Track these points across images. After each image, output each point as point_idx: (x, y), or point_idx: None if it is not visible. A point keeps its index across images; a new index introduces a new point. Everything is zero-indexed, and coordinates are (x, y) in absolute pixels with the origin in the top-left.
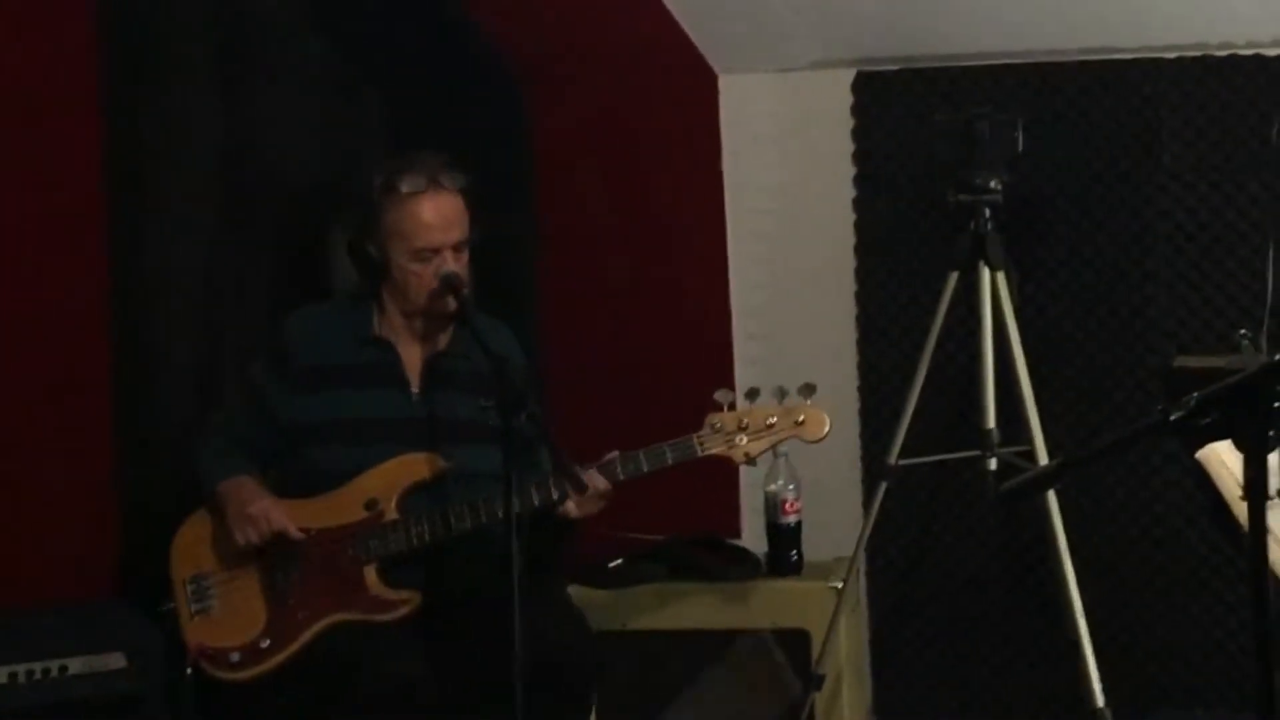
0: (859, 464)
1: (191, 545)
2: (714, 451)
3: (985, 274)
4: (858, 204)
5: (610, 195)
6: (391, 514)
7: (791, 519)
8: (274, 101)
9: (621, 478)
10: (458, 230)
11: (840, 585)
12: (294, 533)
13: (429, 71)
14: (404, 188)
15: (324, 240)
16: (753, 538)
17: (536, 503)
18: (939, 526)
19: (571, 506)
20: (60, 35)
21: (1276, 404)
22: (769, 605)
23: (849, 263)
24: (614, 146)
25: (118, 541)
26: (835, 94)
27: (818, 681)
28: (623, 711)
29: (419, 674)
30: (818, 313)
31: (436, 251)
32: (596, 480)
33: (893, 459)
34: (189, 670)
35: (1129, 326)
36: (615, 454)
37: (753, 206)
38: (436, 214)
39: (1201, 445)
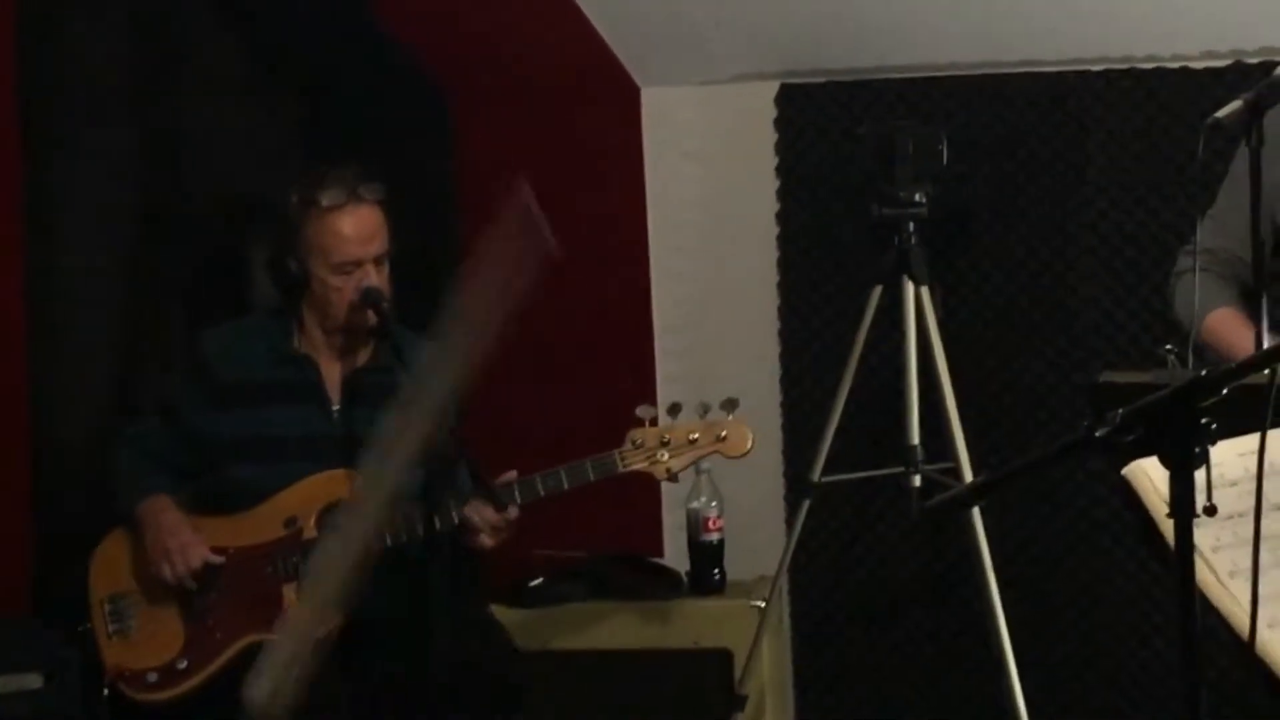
0: (782, 481)
1: (109, 564)
2: (636, 467)
3: (909, 288)
4: (781, 217)
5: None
6: (310, 532)
7: (714, 537)
8: (191, 114)
9: (542, 494)
10: (378, 243)
11: (763, 604)
12: (213, 560)
13: (349, 83)
14: (324, 201)
15: (242, 254)
16: (675, 556)
17: (456, 521)
18: (863, 544)
19: (485, 539)
20: None
21: (1203, 420)
22: (691, 624)
23: (772, 277)
24: (536, 159)
25: (34, 560)
26: (758, 107)
27: (740, 702)
28: None
29: (339, 694)
30: (740, 327)
31: (358, 265)
32: (491, 512)
33: (816, 476)
34: (106, 691)
35: (1054, 342)
36: (513, 474)
37: (675, 220)
38: (356, 227)
39: (1127, 462)
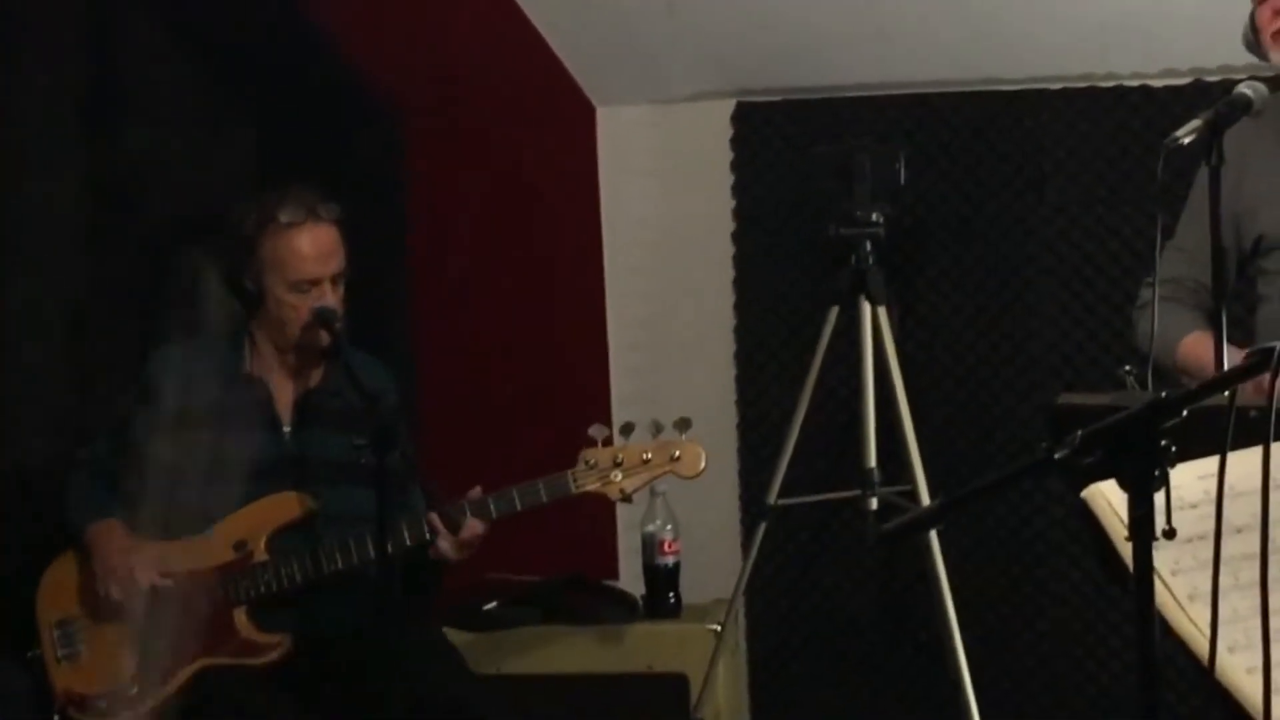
0: (738, 504)
1: (59, 589)
2: (589, 488)
3: (866, 308)
4: (737, 237)
5: (486, 228)
6: (261, 555)
7: (669, 560)
8: (142, 137)
9: (495, 515)
10: (335, 262)
11: (719, 628)
12: (160, 582)
13: (301, 104)
14: (282, 218)
15: (194, 275)
16: (630, 579)
17: (409, 542)
18: (819, 567)
19: (447, 548)
20: None
21: (1162, 442)
22: (646, 648)
23: (728, 297)
24: (490, 179)
25: None
26: (714, 126)
27: None
28: None
29: (291, 719)
30: (696, 347)
31: (314, 283)
32: (475, 525)
33: (772, 499)
34: (56, 717)
35: (1012, 363)
36: (478, 490)
37: (630, 240)
38: (315, 245)
39: (1086, 484)
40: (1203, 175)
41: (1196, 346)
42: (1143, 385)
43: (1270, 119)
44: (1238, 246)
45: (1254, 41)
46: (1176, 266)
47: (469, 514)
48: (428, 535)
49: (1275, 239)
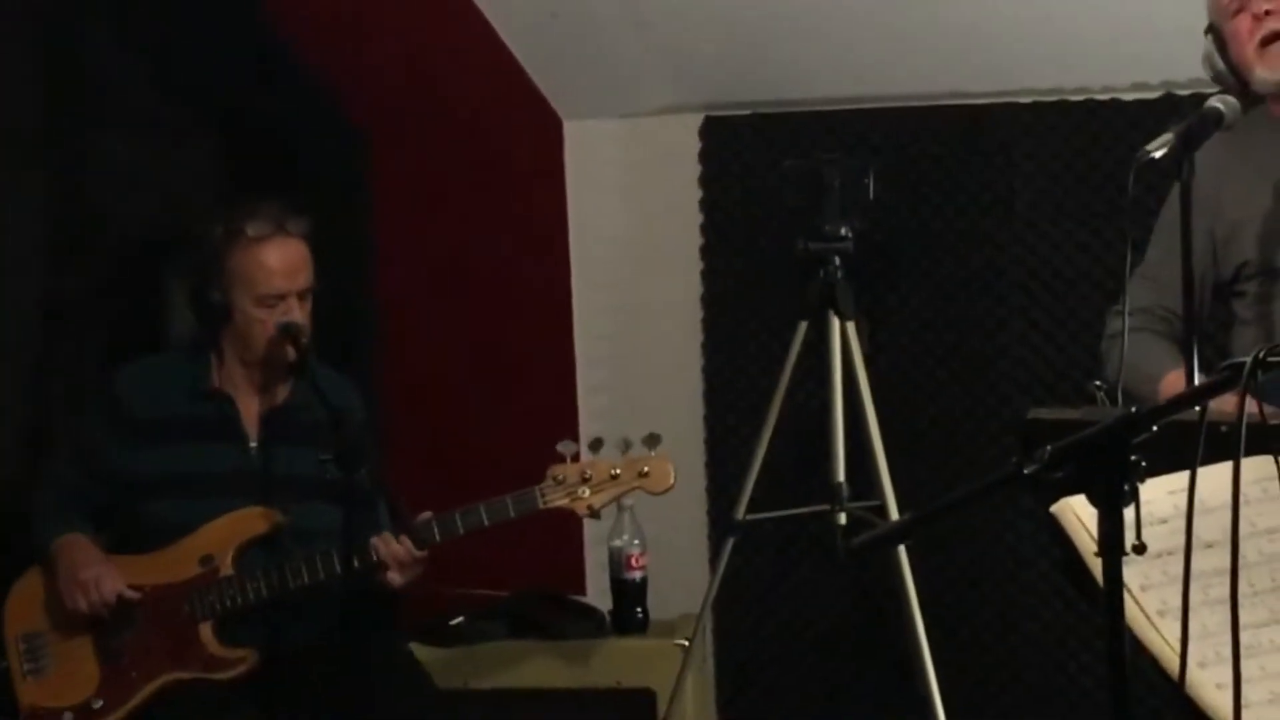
0: (706, 519)
1: (24, 603)
2: (557, 504)
3: (835, 323)
4: (705, 251)
5: (453, 242)
6: (227, 570)
7: (637, 575)
8: (105, 150)
9: (462, 531)
10: (303, 277)
11: (686, 643)
12: (127, 594)
13: (267, 118)
14: (250, 232)
15: (159, 289)
16: (597, 594)
17: (375, 558)
18: (788, 583)
19: (394, 577)
20: None
21: (1132, 457)
22: (613, 664)
23: (696, 312)
24: (457, 193)
25: None
26: (682, 140)
27: None
28: None
29: None
30: (664, 362)
31: (282, 298)
32: (402, 549)
33: (740, 513)
34: None
35: (982, 377)
36: (428, 514)
37: (598, 254)
38: (282, 260)
39: (1056, 499)
40: (1174, 198)
41: (1179, 385)
42: (1113, 400)
43: (1244, 138)
44: (1215, 272)
45: (1223, 67)
46: (1146, 295)
47: (436, 531)
48: (376, 558)
49: (1257, 264)
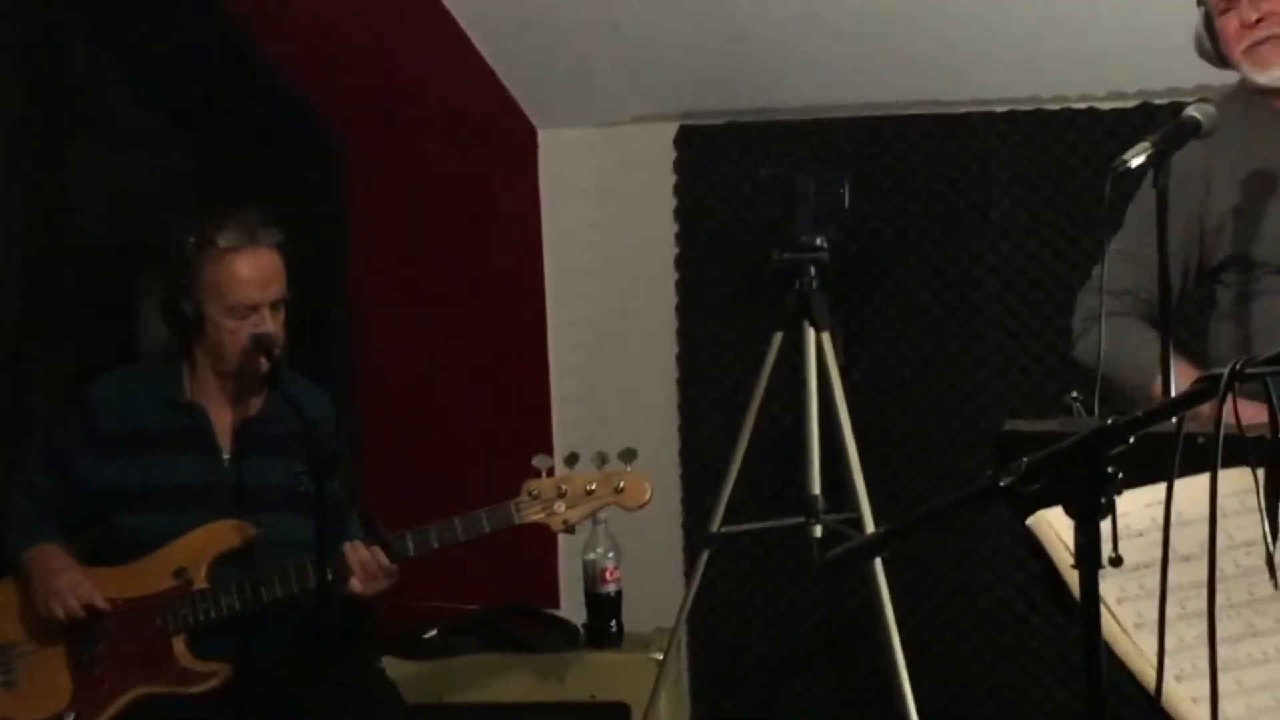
0: (680, 531)
1: None
2: (532, 519)
3: (810, 334)
4: (680, 262)
5: (427, 252)
6: (200, 583)
7: (611, 588)
8: (80, 158)
9: (436, 545)
10: (275, 288)
11: (661, 657)
12: (100, 602)
13: (241, 127)
14: (222, 242)
15: (132, 300)
16: (571, 607)
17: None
18: (763, 596)
19: (356, 584)
20: None
21: (1109, 469)
22: (588, 677)
23: (670, 323)
24: (431, 202)
25: None
26: (657, 149)
27: None
28: None
29: None
30: (639, 374)
31: (254, 308)
32: (370, 557)
33: (715, 526)
34: None
35: (958, 389)
36: (404, 531)
37: (573, 264)
38: (255, 270)
39: (1032, 511)
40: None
41: (1183, 378)
42: (1089, 411)
43: (1241, 121)
44: (1200, 257)
45: (1211, 50)
46: (1128, 277)
47: (410, 545)
48: (330, 576)
49: (1242, 258)
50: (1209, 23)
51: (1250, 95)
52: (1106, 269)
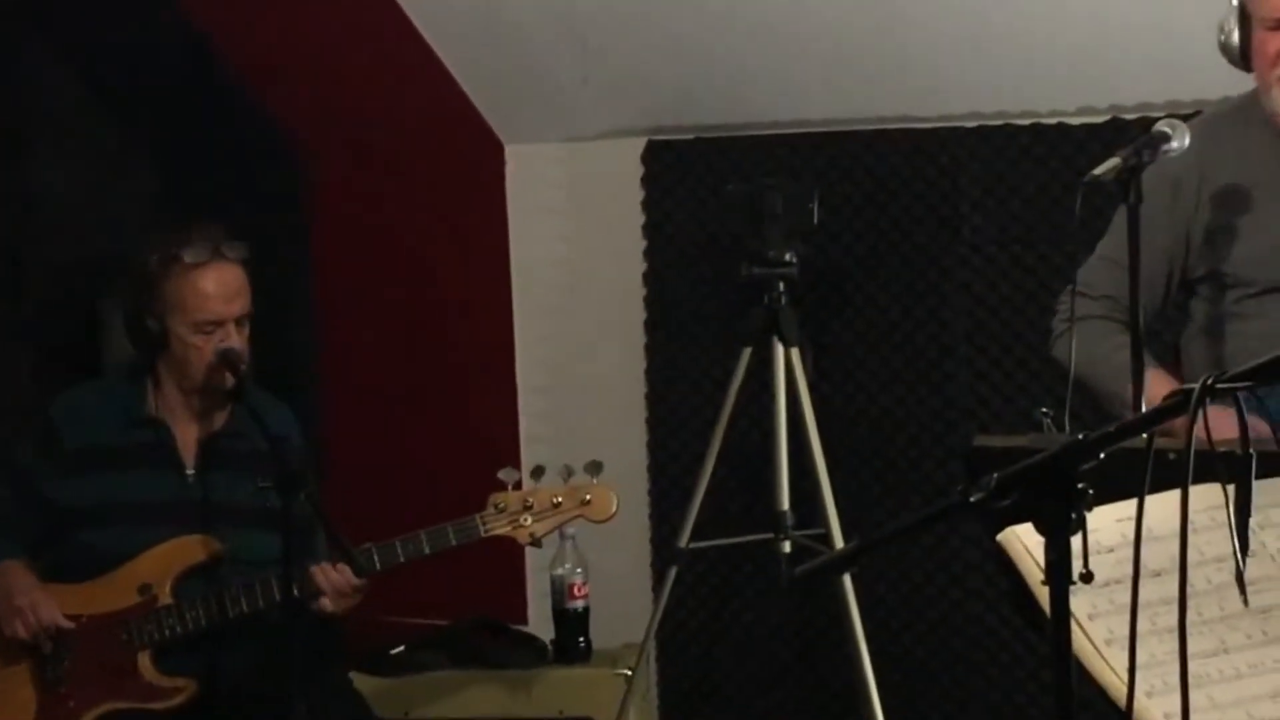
0: (649, 547)
1: None
2: (498, 532)
3: (779, 350)
4: (648, 277)
5: (392, 267)
6: (166, 599)
7: (579, 604)
8: (42, 173)
9: (402, 559)
10: (240, 303)
11: (629, 672)
12: (63, 623)
13: (205, 142)
14: (186, 258)
15: (95, 315)
16: (539, 623)
17: (315, 587)
18: (731, 612)
19: (326, 603)
20: None
21: (1079, 485)
22: (556, 693)
23: (639, 338)
24: (397, 217)
25: None
26: (625, 164)
27: None
28: None
29: None
30: (607, 389)
31: (219, 324)
32: (340, 578)
33: (683, 542)
34: None
35: (927, 404)
36: (370, 546)
37: (540, 279)
38: (219, 285)
39: (1002, 527)
40: (1152, 191)
41: (1156, 386)
42: (1060, 427)
43: (1242, 134)
44: (1184, 267)
45: (1237, 52)
46: (1112, 283)
47: (377, 559)
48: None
49: (1219, 275)
50: (1244, 25)
51: (1255, 113)
52: (1092, 274)
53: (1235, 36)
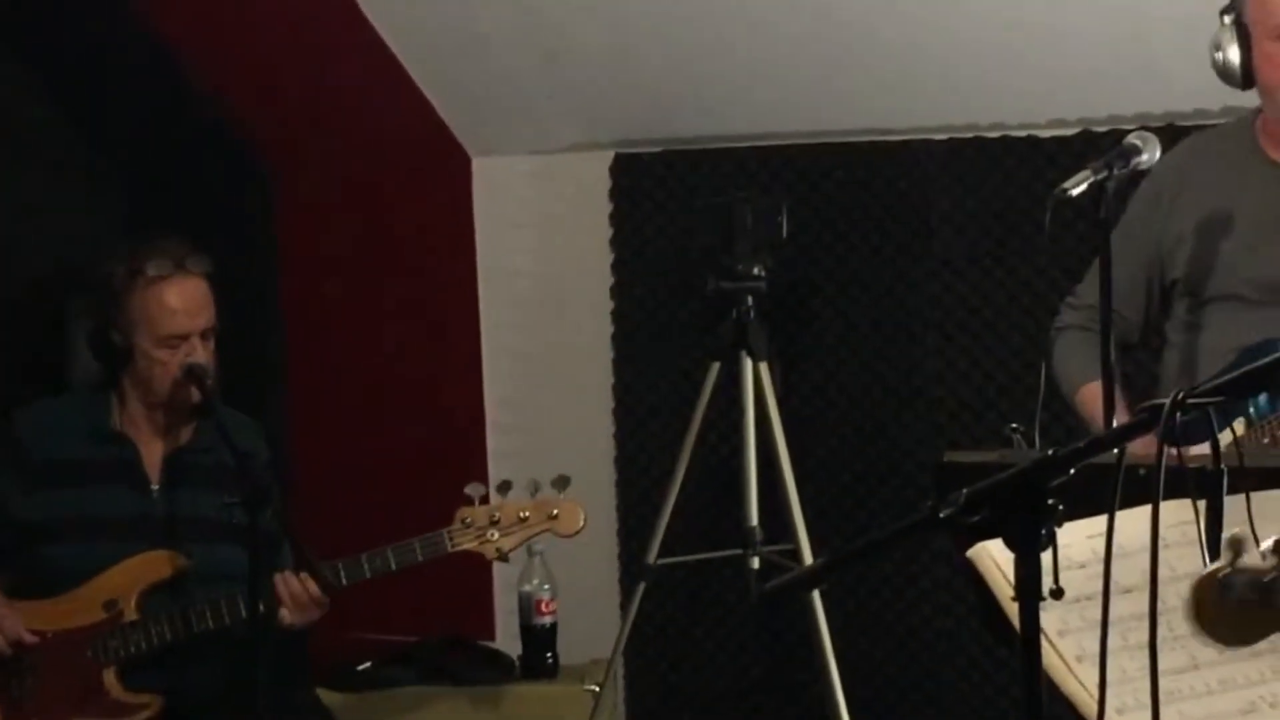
0: (617, 563)
1: None
2: (465, 547)
3: (748, 364)
4: (616, 291)
5: (359, 281)
6: (131, 614)
7: (547, 620)
8: (5, 186)
9: (368, 574)
10: (205, 317)
11: (597, 689)
12: (28, 639)
13: (171, 154)
14: (150, 271)
15: (60, 330)
16: (506, 639)
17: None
18: (700, 628)
19: (286, 614)
20: None
21: (1049, 500)
22: (523, 710)
23: (606, 352)
24: (364, 230)
25: None
26: (593, 177)
27: None
28: None
29: None
30: (574, 403)
31: (184, 338)
32: (300, 587)
33: (651, 558)
34: None
35: (897, 419)
36: (338, 561)
37: (507, 293)
38: (183, 299)
39: (972, 543)
40: (1137, 199)
41: (1092, 398)
42: (1030, 443)
43: (1218, 148)
44: (1161, 278)
45: (1235, 61)
46: (1097, 293)
47: (343, 575)
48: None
49: (1186, 286)
50: (1244, 40)
51: (1245, 136)
52: (1083, 283)
53: (1234, 54)
